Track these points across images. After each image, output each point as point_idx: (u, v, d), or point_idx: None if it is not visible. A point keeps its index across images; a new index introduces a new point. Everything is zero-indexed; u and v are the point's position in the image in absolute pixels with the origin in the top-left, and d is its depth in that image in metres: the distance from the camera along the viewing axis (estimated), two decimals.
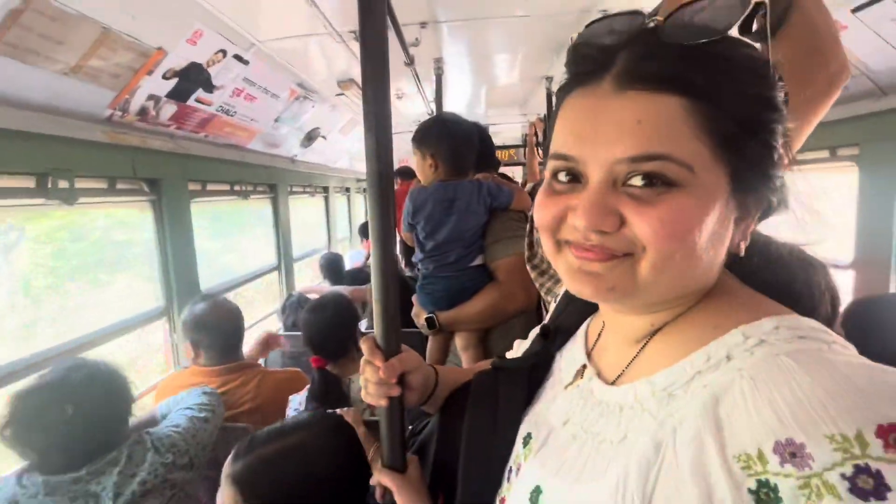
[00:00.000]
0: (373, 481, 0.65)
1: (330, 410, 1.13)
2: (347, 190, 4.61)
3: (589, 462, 0.42)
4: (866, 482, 0.28)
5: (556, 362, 0.57)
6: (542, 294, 1.18)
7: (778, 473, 0.31)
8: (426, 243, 1.36)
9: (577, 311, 0.58)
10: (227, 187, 2.29)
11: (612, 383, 0.45)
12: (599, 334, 0.52)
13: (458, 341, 1.41)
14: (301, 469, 0.71)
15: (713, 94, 0.36)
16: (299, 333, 2.11)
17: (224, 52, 1.62)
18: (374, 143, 0.58)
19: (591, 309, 0.56)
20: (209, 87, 1.70)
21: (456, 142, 1.32)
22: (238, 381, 1.42)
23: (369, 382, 0.63)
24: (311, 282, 3.50)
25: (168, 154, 1.76)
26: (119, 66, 1.30)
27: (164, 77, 1.48)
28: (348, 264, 3.57)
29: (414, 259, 1.45)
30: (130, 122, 1.54)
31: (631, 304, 0.43)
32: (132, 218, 1.83)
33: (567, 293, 0.64)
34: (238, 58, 1.70)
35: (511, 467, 0.52)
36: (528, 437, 0.51)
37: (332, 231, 4.09)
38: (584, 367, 0.50)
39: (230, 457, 0.76)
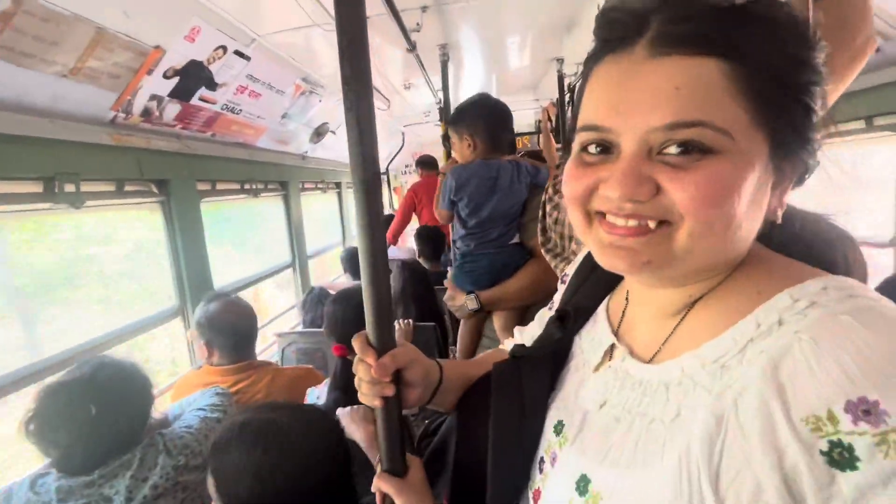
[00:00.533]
0: (372, 488, 0.61)
1: (349, 407, 1.11)
2: None
3: (640, 444, 0.40)
4: None
5: (575, 344, 0.55)
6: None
7: (852, 433, 0.30)
8: (468, 220, 1.39)
9: (593, 291, 0.56)
10: (237, 186, 2.29)
11: (650, 361, 0.44)
12: (623, 312, 0.50)
13: (497, 321, 1.40)
14: (275, 445, 0.67)
15: (753, 55, 0.35)
16: (316, 330, 2.12)
17: (224, 49, 1.60)
18: (358, 133, 0.54)
19: (608, 287, 0.54)
20: (212, 85, 1.69)
21: (493, 119, 1.34)
22: (250, 379, 1.42)
23: (362, 382, 0.59)
24: (326, 278, 3.50)
25: (175, 154, 1.76)
26: (118, 66, 1.29)
27: (165, 76, 1.46)
28: None
29: (453, 237, 1.48)
30: (135, 124, 1.54)
31: (667, 277, 0.42)
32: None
33: (577, 273, 0.62)
34: (239, 54, 1.68)
35: (543, 457, 0.50)
36: (560, 424, 0.49)
37: (347, 226, 4.09)
38: (613, 346, 0.49)
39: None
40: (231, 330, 1.44)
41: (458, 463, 0.61)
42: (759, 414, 0.33)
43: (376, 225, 0.57)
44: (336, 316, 1.44)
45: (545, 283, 1.29)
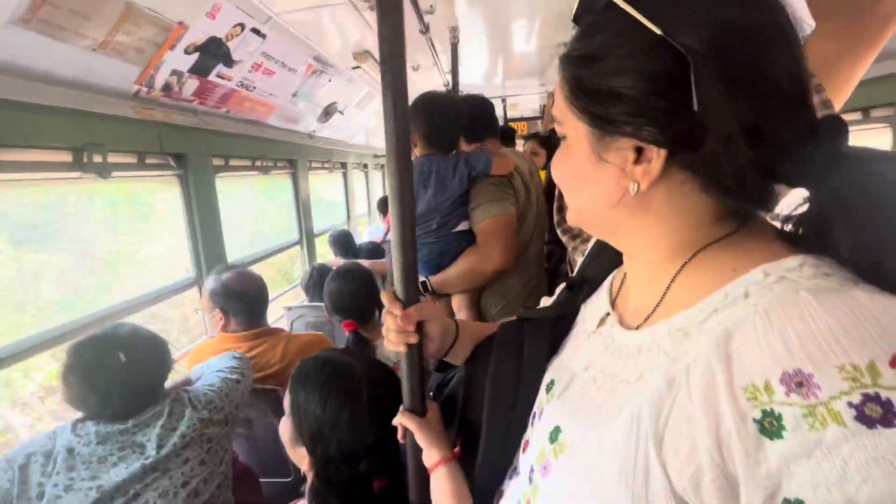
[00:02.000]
0: (395, 421, 0.69)
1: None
2: (365, 166, 4.64)
3: (605, 402, 0.44)
4: (874, 410, 0.28)
5: (580, 313, 0.58)
6: (577, 257, 1.20)
7: (783, 403, 0.31)
8: None
9: (603, 264, 0.60)
10: (248, 163, 2.34)
11: (636, 328, 0.46)
12: (622, 283, 0.53)
13: (454, 303, 1.49)
14: (343, 388, 0.75)
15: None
16: (320, 304, 2.20)
17: (242, 26, 1.64)
18: (393, 109, 0.60)
19: (617, 261, 0.57)
20: (229, 62, 1.73)
21: (430, 121, 1.38)
22: (265, 345, 1.50)
23: (389, 330, 0.67)
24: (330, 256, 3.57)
25: (192, 129, 1.81)
26: (143, 40, 1.33)
27: (186, 52, 1.51)
28: (366, 239, 3.63)
29: None
30: (156, 98, 1.58)
31: (612, 242, 0.50)
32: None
33: (595, 246, 0.66)
34: (256, 31, 1.72)
35: (535, 412, 0.55)
36: (552, 383, 0.53)
37: (351, 207, 4.14)
38: (608, 314, 0.52)
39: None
40: (246, 296, 1.51)
41: (465, 413, 0.68)
42: (703, 380, 0.35)
43: (407, 192, 0.63)
44: (336, 292, 1.51)
45: (479, 269, 1.37)
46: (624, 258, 0.51)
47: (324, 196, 3.99)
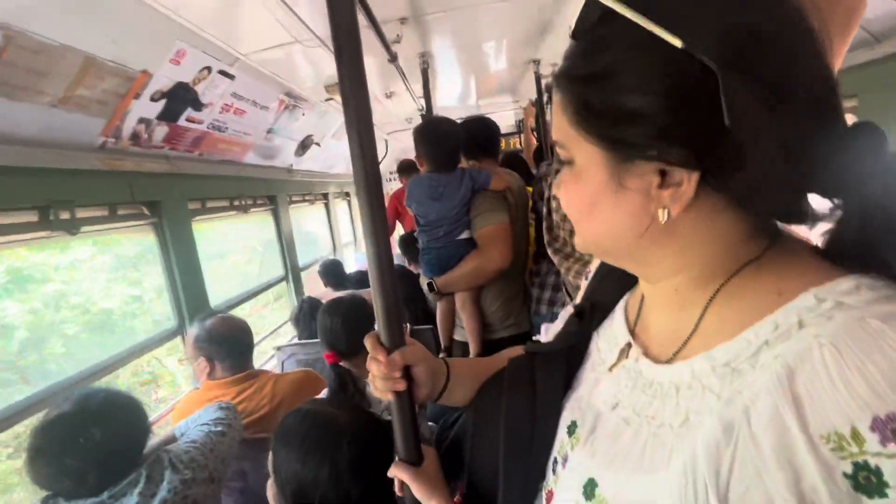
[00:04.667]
0: (390, 473, 0.65)
1: None
2: (347, 194, 4.62)
3: (648, 449, 0.39)
4: None
5: (593, 342, 0.54)
6: (571, 278, 1.18)
7: (879, 454, 0.27)
8: (420, 221, 1.68)
9: (612, 287, 0.55)
10: (226, 203, 2.31)
11: (667, 361, 0.42)
12: (640, 310, 0.49)
13: (457, 301, 1.71)
14: (325, 442, 0.71)
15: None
16: (314, 341, 2.14)
17: (209, 69, 1.63)
18: (358, 140, 0.58)
19: (628, 284, 0.53)
20: (198, 106, 1.71)
21: (434, 145, 1.60)
22: (253, 387, 1.45)
23: (375, 378, 0.63)
24: (319, 289, 3.51)
25: (165, 175, 1.77)
26: (106, 92, 1.31)
27: (153, 99, 1.49)
28: (354, 267, 3.58)
29: (416, 234, 1.77)
30: (124, 148, 1.55)
31: (630, 269, 0.46)
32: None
33: (600, 268, 0.61)
34: (224, 73, 1.71)
35: (556, 458, 0.50)
36: (574, 425, 0.49)
37: (336, 236, 4.11)
38: (629, 345, 0.47)
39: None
40: (231, 341, 1.47)
41: (473, 460, 0.63)
42: (772, 426, 0.31)
43: (381, 229, 0.61)
44: (327, 326, 1.49)
45: (482, 269, 1.58)
46: (640, 282, 0.48)
47: (307, 228, 3.95)
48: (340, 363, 1.49)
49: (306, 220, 3.93)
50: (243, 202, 2.43)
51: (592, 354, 0.53)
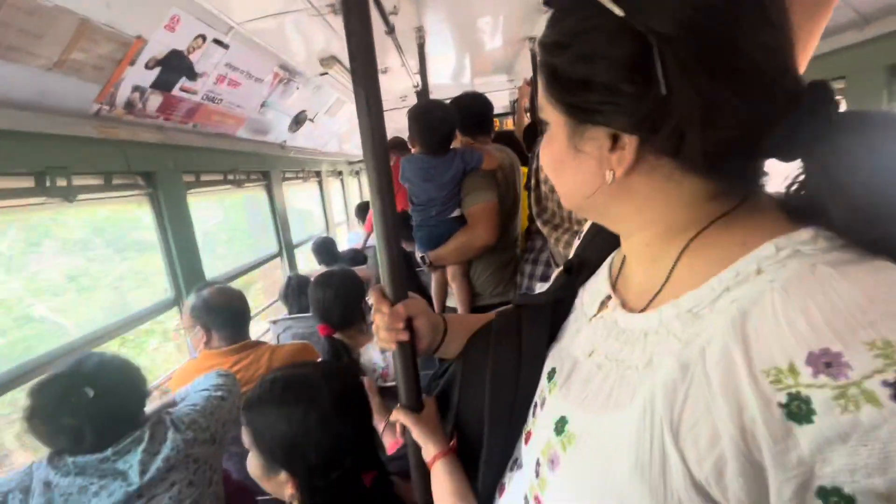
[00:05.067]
0: (392, 418, 0.69)
1: None
2: (340, 173, 4.60)
3: (614, 390, 0.42)
4: None
5: (578, 297, 0.56)
6: (560, 249, 1.21)
7: (811, 385, 0.29)
8: (413, 200, 1.75)
9: (601, 246, 0.58)
10: (220, 177, 2.30)
11: (641, 311, 0.44)
12: (622, 265, 0.51)
13: (448, 273, 1.82)
14: (304, 396, 0.73)
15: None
16: (307, 315, 2.17)
17: (203, 38, 1.61)
18: (367, 108, 0.60)
19: (615, 243, 0.55)
20: (192, 75, 1.70)
21: (425, 130, 1.63)
22: (249, 358, 1.47)
23: (380, 328, 0.67)
24: (313, 265, 3.53)
25: (159, 146, 1.76)
26: (101, 57, 1.30)
27: (147, 66, 1.47)
28: (347, 246, 3.60)
29: (409, 212, 1.85)
30: (119, 116, 1.54)
31: (603, 222, 0.49)
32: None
33: (591, 228, 0.64)
34: (218, 42, 1.69)
35: (536, 402, 0.53)
36: (553, 371, 0.51)
37: (329, 215, 4.10)
38: (609, 298, 0.49)
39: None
40: (228, 311, 1.49)
41: (461, 406, 0.66)
42: (721, 363, 0.33)
43: (387, 191, 0.63)
44: (319, 299, 1.55)
45: (469, 245, 1.67)
46: (621, 239, 0.50)
47: (300, 206, 3.94)
48: (334, 335, 1.53)
49: (299, 198, 3.92)
50: (237, 177, 2.42)
51: (577, 308, 0.56)
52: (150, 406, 1.14)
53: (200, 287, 1.57)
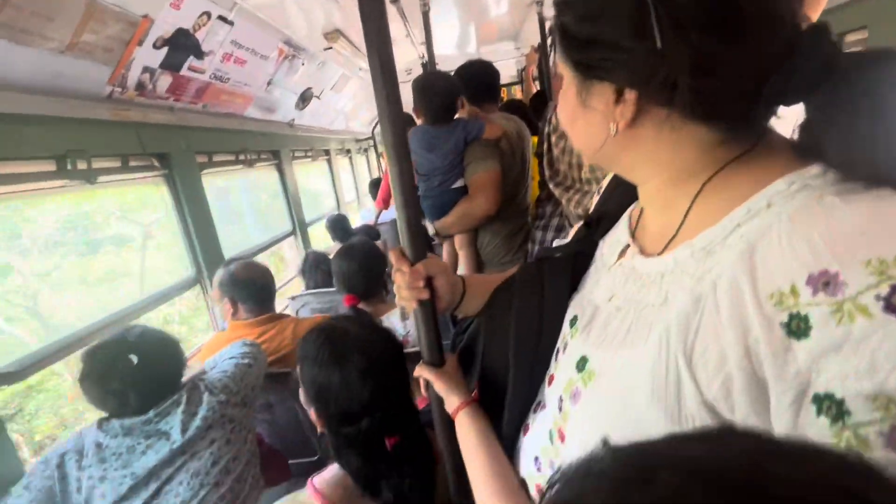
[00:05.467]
0: (416, 374, 0.72)
1: None
2: (348, 151, 4.60)
3: (632, 328, 0.44)
4: None
5: (598, 249, 0.58)
6: (572, 209, 1.22)
7: (809, 304, 0.31)
8: (418, 171, 1.73)
9: (620, 200, 0.59)
10: (232, 157, 2.32)
11: (658, 255, 0.45)
12: (640, 216, 0.53)
13: (455, 242, 1.85)
14: (337, 349, 0.77)
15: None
16: (324, 290, 2.22)
17: (208, 15, 1.60)
18: (381, 77, 0.61)
19: (634, 196, 0.55)
20: (199, 54, 1.70)
21: (428, 101, 1.63)
22: (274, 329, 1.52)
23: (400, 288, 0.69)
24: (327, 243, 3.58)
25: (172, 127, 1.79)
26: (110, 38, 1.31)
27: (155, 46, 1.48)
28: (360, 223, 3.63)
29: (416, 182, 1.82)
30: (131, 98, 1.56)
31: (619, 171, 0.51)
32: None
33: (612, 181, 0.65)
34: (223, 19, 1.68)
35: (559, 348, 0.55)
36: (575, 318, 0.53)
37: (340, 193, 4.12)
38: (628, 246, 0.51)
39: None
40: (253, 284, 1.54)
41: (485, 357, 0.69)
42: (730, 292, 0.35)
43: (404, 155, 0.64)
44: (342, 269, 1.59)
45: (470, 213, 1.67)
46: (638, 189, 0.51)
47: (311, 186, 3.97)
48: (358, 305, 1.57)
49: (310, 177, 3.94)
50: (248, 156, 2.44)
51: (597, 259, 0.57)
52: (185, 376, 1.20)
53: (228, 262, 1.62)
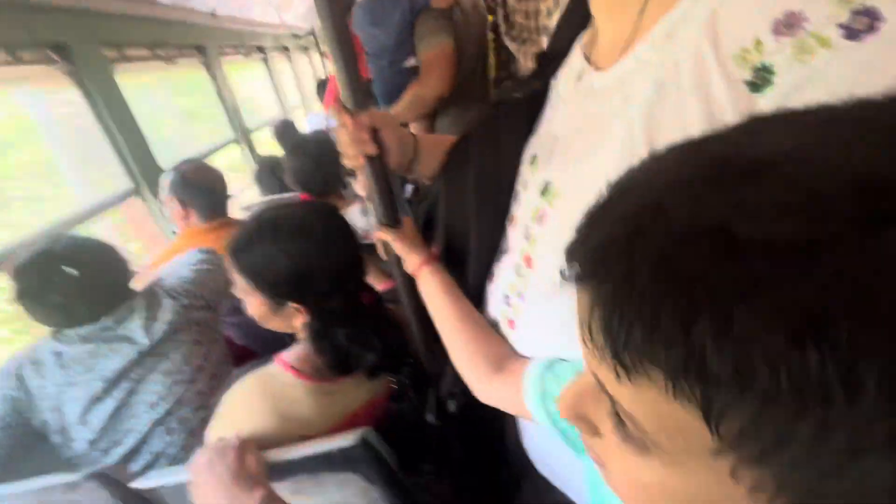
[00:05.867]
0: (372, 237, 0.69)
1: None
2: (287, 49, 4.14)
3: (592, 138, 0.42)
4: (861, 22, 0.27)
5: (552, 88, 0.55)
6: (529, 64, 1.19)
7: (773, 52, 0.30)
8: (366, 50, 1.57)
9: (568, 33, 0.55)
10: (148, 52, 2.02)
11: (615, 63, 0.42)
12: (592, 38, 0.49)
13: (412, 129, 1.69)
14: (297, 231, 0.73)
15: None
16: (282, 196, 2.12)
17: None
18: None
19: (583, 25, 0.52)
20: None
21: None
22: (231, 234, 1.46)
23: (344, 144, 0.62)
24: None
25: (69, 12, 1.50)
26: None
27: None
28: (309, 129, 3.39)
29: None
30: None
31: None
32: None
33: (561, 19, 0.60)
34: None
35: (518, 190, 0.54)
36: (534, 157, 0.52)
37: (283, 97, 3.78)
38: (583, 72, 0.48)
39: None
40: (207, 187, 1.44)
41: (448, 217, 0.67)
42: (694, 68, 0.33)
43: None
44: (297, 167, 1.49)
45: (422, 96, 1.52)
46: (590, 4, 0.46)
47: (249, 92, 3.60)
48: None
49: (247, 82, 3.56)
50: (168, 52, 2.13)
51: (552, 97, 0.55)
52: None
53: (178, 165, 1.50)
